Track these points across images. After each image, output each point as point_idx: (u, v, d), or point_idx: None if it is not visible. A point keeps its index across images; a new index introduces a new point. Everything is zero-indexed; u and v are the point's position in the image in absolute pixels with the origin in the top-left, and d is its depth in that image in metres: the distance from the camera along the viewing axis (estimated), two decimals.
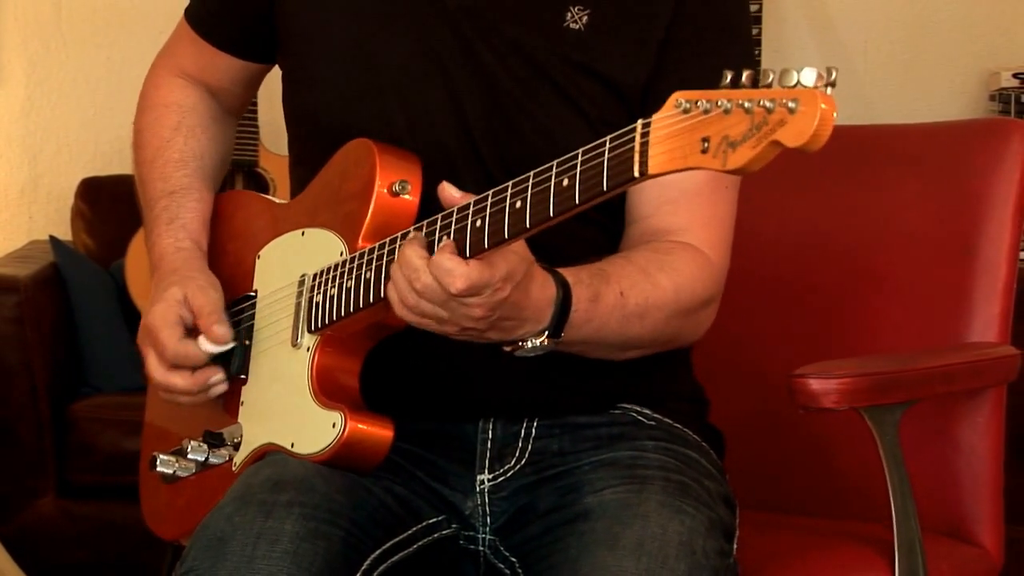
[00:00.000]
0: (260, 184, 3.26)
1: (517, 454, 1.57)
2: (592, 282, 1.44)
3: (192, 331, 1.58)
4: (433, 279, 1.34)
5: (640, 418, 1.58)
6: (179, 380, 1.57)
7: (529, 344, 1.41)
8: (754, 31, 3.18)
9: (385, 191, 1.49)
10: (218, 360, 1.58)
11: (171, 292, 1.58)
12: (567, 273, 1.43)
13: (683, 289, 1.50)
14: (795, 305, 1.91)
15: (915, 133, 1.95)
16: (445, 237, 1.37)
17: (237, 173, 3.25)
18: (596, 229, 1.56)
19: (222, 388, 1.58)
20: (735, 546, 1.53)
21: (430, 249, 1.37)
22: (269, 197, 1.72)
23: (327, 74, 1.59)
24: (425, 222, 1.41)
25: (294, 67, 1.64)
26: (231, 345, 1.57)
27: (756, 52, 3.17)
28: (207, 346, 1.57)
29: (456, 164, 1.53)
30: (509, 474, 1.56)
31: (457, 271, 1.33)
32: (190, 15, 1.72)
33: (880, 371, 1.65)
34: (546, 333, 1.40)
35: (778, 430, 1.87)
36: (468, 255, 1.35)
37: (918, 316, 1.83)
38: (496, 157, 1.53)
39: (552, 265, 1.43)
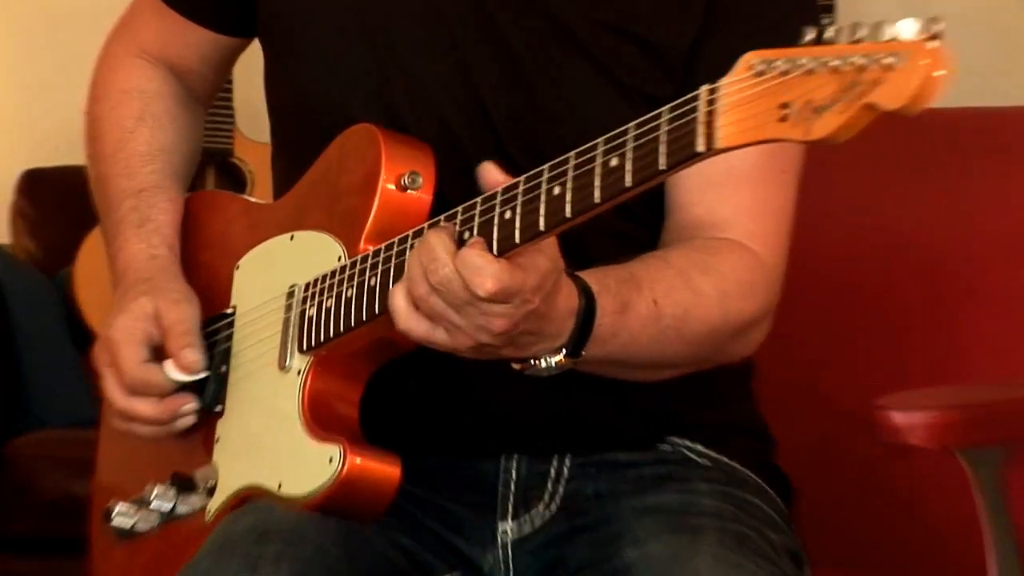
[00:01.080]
0: (236, 177, 3.28)
1: (546, 498, 1.57)
2: (620, 289, 1.44)
3: (159, 352, 1.59)
4: (456, 273, 1.33)
5: (692, 456, 1.59)
6: (143, 406, 1.57)
7: (543, 363, 1.41)
8: None
9: (391, 185, 1.49)
10: (188, 387, 1.59)
11: (140, 303, 1.59)
12: (591, 279, 1.43)
13: (730, 296, 1.49)
14: (873, 321, 1.91)
15: (1013, 117, 1.96)
16: (468, 232, 1.36)
17: (208, 165, 3.27)
18: (635, 224, 1.56)
19: (191, 420, 1.59)
20: None
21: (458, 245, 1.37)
22: (248, 197, 1.74)
23: (316, 46, 1.60)
24: (443, 216, 1.41)
25: (278, 40, 1.64)
26: (202, 375, 1.58)
27: (828, 20, 3.15)
28: (174, 373, 1.58)
29: (466, 147, 1.53)
30: (536, 522, 1.57)
31: (488, 270, 1.32)
32: None
33: (977, 403, 1.65)
34: (563, 351, 1.41)
35: (855, 472, 1.88)
36: (496, 254, 1.35)
37: (1021, 335, 1.84)
38: (516, 138, 1.54)
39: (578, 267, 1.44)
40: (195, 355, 1.57)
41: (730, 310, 1.50)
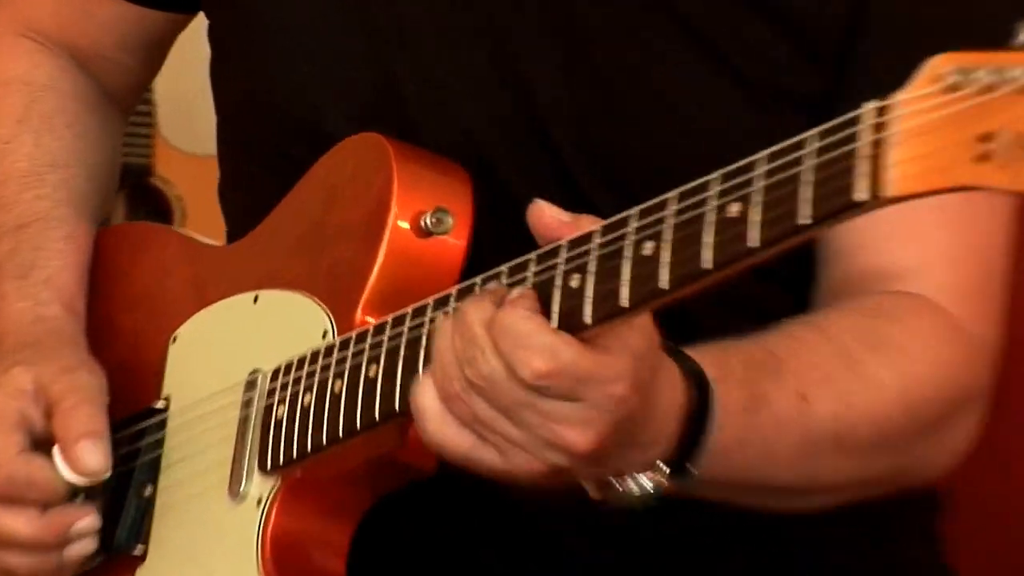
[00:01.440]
0: (156, 205, 3.25)
1: None
2: (750, 376, 1.37)
3: (43, 443, 1.53)
4: (496, 354, 1.25)
5: None
6: (18, 521, 1.51)
7: (634, 486, 1.32)
8: None
9: (407, 226, 1.43)
10: (88, 497, 1.53)
11: (12, 375, 1.55)
12: (705, 359, 1.35)
13: (918, 383, 1.43)
14: None
15: None
16: None
17: (119, 187, 3.19)
18: (770, 283, 1.50)
19: (89, 548, 1.52)
20: None
21: None
22: (193, 235, 1.69)
23: (291, 25, 1.58)
24: (479, 278, 1.33)
25: (234, 15, 1.62)
26: (107, 475, 1.51)
27: None
28: (66, 471, 1.50)
29: (506, 173, 1.50)
30: None
31: (537, 340, 1.23)
32: None
33: None
34: (663, 467, 1.32)
35: None
36: None
37: None
38: (585, 159, 1.50)
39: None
40: (93, 447, 1.49)
41: (919, 406, 1.43)
